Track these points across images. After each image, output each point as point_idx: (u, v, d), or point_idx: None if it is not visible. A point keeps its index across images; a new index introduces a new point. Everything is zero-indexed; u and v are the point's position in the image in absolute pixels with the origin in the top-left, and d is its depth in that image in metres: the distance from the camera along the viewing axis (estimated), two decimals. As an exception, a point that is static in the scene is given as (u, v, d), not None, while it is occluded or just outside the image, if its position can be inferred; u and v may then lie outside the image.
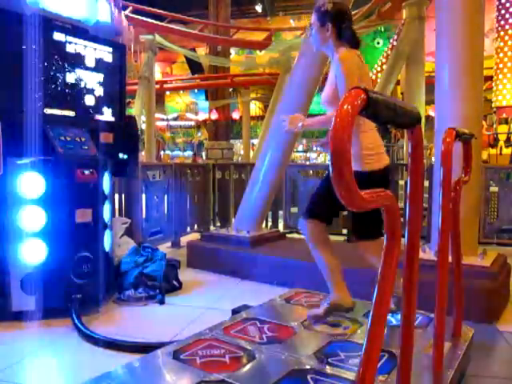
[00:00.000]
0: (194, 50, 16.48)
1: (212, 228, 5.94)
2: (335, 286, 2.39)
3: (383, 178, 2.32)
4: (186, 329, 2.71)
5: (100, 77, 3.37)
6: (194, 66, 18.58)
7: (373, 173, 2.26)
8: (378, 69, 12.61)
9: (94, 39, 3.31)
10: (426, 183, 4.82)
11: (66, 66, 3.13)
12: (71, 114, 3.18)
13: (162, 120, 22.58)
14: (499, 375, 2.31)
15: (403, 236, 1.27)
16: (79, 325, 2.69)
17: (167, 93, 21.00)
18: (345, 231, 5.66)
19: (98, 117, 3.37)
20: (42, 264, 2.90)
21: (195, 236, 5.25)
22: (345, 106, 0.89)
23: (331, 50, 2.37)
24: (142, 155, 12.21)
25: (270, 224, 6.06)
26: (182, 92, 22.10)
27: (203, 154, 17.87)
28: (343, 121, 0.88)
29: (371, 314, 1.09)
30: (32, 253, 2.88)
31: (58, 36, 3.09)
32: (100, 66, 3.36)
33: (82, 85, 3.25)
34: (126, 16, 10.79)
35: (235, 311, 2.73)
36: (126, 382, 1.81)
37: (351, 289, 2.43)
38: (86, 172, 3.01)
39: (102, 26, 3.42)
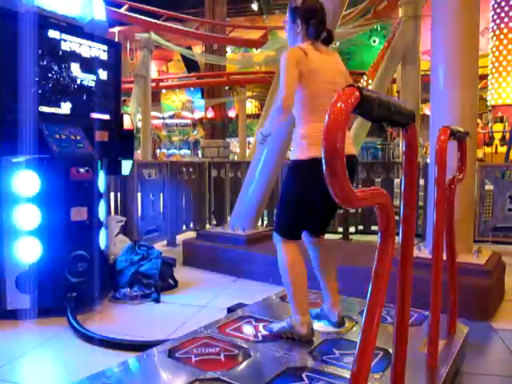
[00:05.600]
0: (189, 48, 16.44)
1: (208, 226, 5.93)
2: (299, 307, 2.16)
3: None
4: (182, 327, 2.71)
5: (95, 75, 3.36)
6: (190, 64, 18.54)
7: (312, 160, 2.04)
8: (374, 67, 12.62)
9: (89, 37, 3.30)
10: (422, 182, 4.84)
11: (61, 63, 3.12)
12: (66, 112, 3.17)
13: (158, 118, 22.53)
14: (493, 373, 2.32)
15: (398, 234, 1.27)
16: (74, 323, 2.68)
17: (163, 91, 20.95)
18: (340, 229, 5.68)
19: (94, 115, 3.36)
20: (37, 262, 2.89)
21: (191, 234, 5.24)
22: (338, 104, 0.89)
23: None
24: (138, 153, 12.18)
25: (265, 222, 6.05)
26: (177, 90, 22.05)
27: (199, 152, 17.85)
28: (336, 119, 0.88)
29: (365, 312, 1.10)
30: (27, 251, 2.87)
31: (53, 34, 3.07)
32: (95, 63, 3.35)
33: (77, 83, 3.24)
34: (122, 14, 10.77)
35: (231, 309, 2.73)
36: (121, 380, 1.81)
37: (346, 287, 2.41)
38: (82, 170, 3.00)
39: (97, 24, 3.41)
